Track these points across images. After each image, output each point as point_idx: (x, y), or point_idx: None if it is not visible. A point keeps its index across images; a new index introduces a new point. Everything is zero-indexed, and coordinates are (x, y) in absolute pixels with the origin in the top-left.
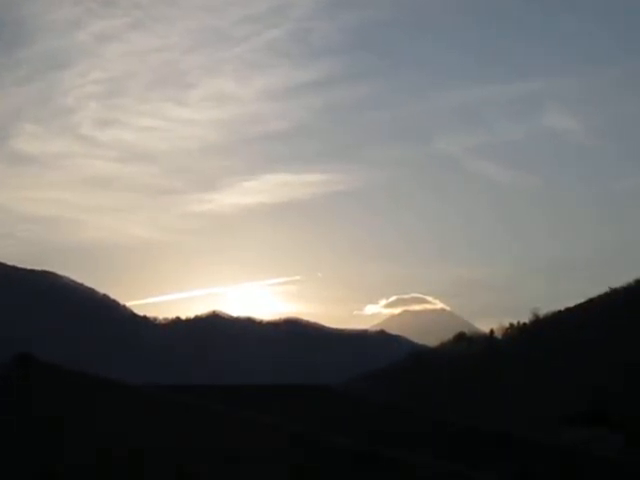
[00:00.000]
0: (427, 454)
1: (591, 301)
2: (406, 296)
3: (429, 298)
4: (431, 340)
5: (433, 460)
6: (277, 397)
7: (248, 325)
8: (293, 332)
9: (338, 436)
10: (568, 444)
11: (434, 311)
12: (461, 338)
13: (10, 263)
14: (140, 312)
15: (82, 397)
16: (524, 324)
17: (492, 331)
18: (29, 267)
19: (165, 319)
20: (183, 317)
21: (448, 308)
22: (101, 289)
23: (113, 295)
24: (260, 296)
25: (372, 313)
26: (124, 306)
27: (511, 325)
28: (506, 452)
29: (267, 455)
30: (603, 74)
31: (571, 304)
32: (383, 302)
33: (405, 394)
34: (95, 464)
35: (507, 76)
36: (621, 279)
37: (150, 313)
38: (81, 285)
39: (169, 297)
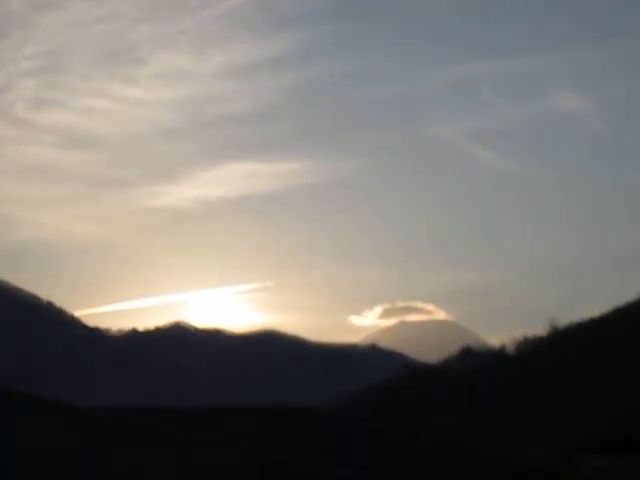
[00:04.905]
0: None
1: (617, 310)
2: (401, 304)
3: (429, 306)
4: (432, 356)
5: None
6: (250, 420)
7: (216, 338)
8: (269, 346)
9: (321, 465)
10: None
11: (435, 322)
12: (467, 353)
13: None
14: (91, 323)
15: (17, 418)
16: (540, 337)
17: (503, 345)
18: None
19: (120, 331)
20: (141, 328)
21: (451, 318)
22: (45, 296)
23: (59, 303)
24: (228, 304)
25: (361, 325)
26: (72, 316)
27: (525, 338)
28: None
29: None
30: (621, 48)
31: (594, 313)
32: (373, 311)
33: (401, 417)
34: None
35: (509, 50)
36: None
37: (103, 324)
38: (22, 291)
39: (124, 305)
